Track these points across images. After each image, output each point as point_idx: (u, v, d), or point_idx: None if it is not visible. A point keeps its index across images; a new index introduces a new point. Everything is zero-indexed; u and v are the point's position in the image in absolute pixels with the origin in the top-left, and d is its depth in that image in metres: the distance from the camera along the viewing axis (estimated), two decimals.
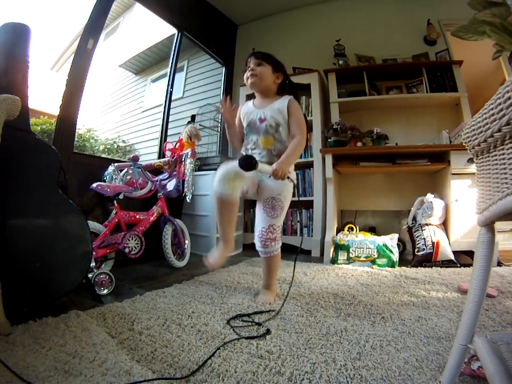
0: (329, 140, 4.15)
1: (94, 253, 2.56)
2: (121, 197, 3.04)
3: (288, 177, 2.10)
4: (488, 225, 0.99)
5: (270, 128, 2.22)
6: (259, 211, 2.28)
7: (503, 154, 0.88)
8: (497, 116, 0.85)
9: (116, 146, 8.37)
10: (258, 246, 2.25)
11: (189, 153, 3.43)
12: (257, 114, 2.28)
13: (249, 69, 2.27)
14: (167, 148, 3.69)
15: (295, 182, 2.27)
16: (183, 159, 3.45)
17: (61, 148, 3.11)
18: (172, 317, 1.89)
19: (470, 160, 3.41)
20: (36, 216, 1.95)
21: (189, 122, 4.38)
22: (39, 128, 6.70)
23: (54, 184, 2.02)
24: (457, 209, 3.50)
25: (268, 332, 1.67)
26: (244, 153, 2.32)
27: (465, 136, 1.06)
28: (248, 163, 1.81)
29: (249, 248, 4.43)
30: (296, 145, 2.16)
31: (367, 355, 1.41)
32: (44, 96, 7.23)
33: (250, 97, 4.85)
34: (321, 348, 1.49)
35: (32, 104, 2.10)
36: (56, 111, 3.32)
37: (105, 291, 2.42)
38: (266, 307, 2.08)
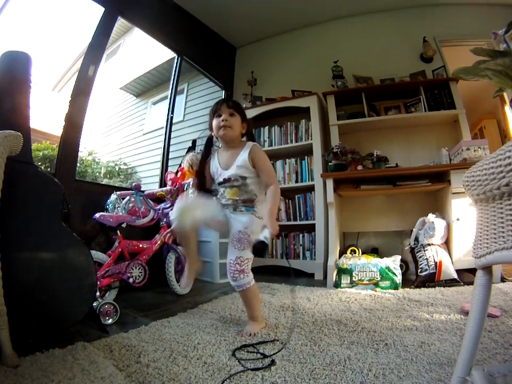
0: (329, 164, 4.18)
1: (98, 282, 2.56)
2: (124, 225, 3.06)
3: (254, 213, 2.24)
4: (486, 268, 1.02)
5: (236, 182, 2.25)
6: (229, 245, 2.27)
7: (501, 208, 0.91)
8: (497, 176, 0.88)
9: (117, 169, 8.39)
10: (230, 280, 2.24)
11: (191, 183, 3.45)
12: (222, 175, 2.29)
13: (222, 118, 2.24)
14: (168, 178, 3.72)
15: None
16: (185, 188, 3.47)
17: (63, 176, 3.16)
18: (178, 348, 1.89)
19: None
20: (40, 249, 1.97)
21: (189, 149, 4.42)
22: (41, 154, 6.72)
23: (58, 217, 2.05)
24: (459, 228, 3.51)
25: (273, 363, 1.67)
26: (216, 195, 2.40)
27: (466, 184, 1.09)
28: (260, 250, 2.00)
29: (253, 272, 4.44)
30: (274, 195, 2.17)
31: None
32: (45, 116, 7.29)
33: (250, 122, 4.91)
34: (325, 378, 1.49)
35: (33, 124, 2.16)
36: (56, 131, 3.36)
37: (110, 321, 2.43)
38: (270, 336, 2.07)
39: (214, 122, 2.29)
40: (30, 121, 2.15)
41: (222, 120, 2.24)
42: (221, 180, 2.30)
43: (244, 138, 2.42)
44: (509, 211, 0.88)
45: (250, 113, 5.04)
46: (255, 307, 2.30)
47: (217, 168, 2.35)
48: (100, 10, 3.84)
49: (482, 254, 1.01)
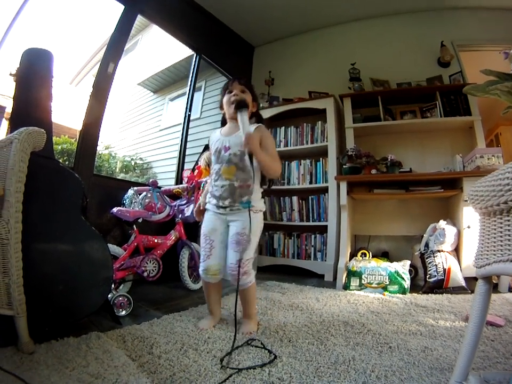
0: (344, 167, 4.21)
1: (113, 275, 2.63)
2: (140, 220, 3.11)
3: (252, 209, 2.17)
4: (486, 278, 1.07)
5: (234, 157, 2.18)
6: (228, 247, 2.22)
7: (501, 223, 0.96)
8: (497, 194, 0.93)
9: (133, 164, 8.45)
10: (230, 280, 2.24)
11: (208, 181, 3.49)
12: (222, 142, 2.24)
13: (233, 93, 2.23)
14: (185, 175, 3.76)
15: (264, 209, 2.33)
16: (201, 186, 3.50)
17: (81, 170, 3.22)
18: (189, 341, 1.94)
19: None
20: (60, 241, 2.03)
21: (206, 147, 4.46)
22: (59, 148, 6.80)
23: (77, 211, 2.10)
24: (469, 236, 3.50)
25: (275, 358, 1.72)
26: (210, 190, 2.34)
27: (470, 198, 1.14)
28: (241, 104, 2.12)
29: (263, 271, 4.51)
30: (273, 160, 2.17)
31: None
32: (63, 109, 7.36)
33: (267, 121, 4.97)
34: (329, 376, 1.53)
35: (53, 117, 2.23)
36: (74, 124, 3.42)
37: (124, 312, 2.49)
38: (279, 334, 2.11)
39: (225, 98, 2.29)
40: (52, 111, 2.23)
41: (233, 95, 2.23)
42: (219, 146, 2.25)
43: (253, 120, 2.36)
44: (507, 226, 0.93)
45: (267, 113, 5.08)
46: (252, 305, 2.32)
47: (217, 137, 2.33)
48: (119, 7, 3.89)
49: (483, 264, 1.06)
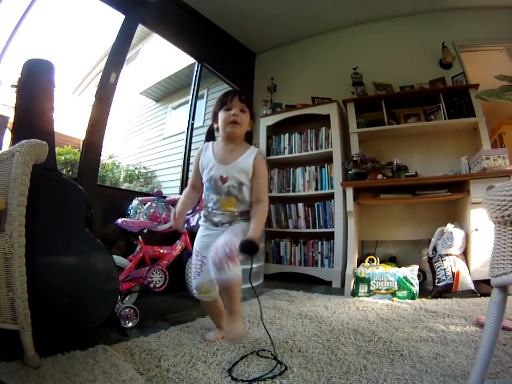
0: (349, 172, 4.20)
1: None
2: (145, 231, 3.10)
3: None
4: (502, 287, 1.04)
5: (233, 189, 2.04)
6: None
7: None
8: (507, 206, 0.91)
9: (137, 173, 8.46)
10: (213, 271, 1.90)
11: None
12: (219, 171, 2.05)
13: (232, 113, 2.04)
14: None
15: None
16: None
17: (85, 181, 3.22)
18: (198, 354, 1.91)
19: (490, 188, 3.43)
20: (64, 253, 2.03)
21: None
22: (63, 158, 6.83)
23: (82, 223, 2.11)
24: (477, 239, 3.48)
25: (286, 369, 1.69)
26: (206, 214, 2.16)
27: (485, 205, 1.11)
28: (251, 249, 1.82)
29: (270, 279, 4.51)
30: (263, 213, 2.07)
31: None
32: (66, 120, 7.39)
33: (271, 128, 4.95)
34: None
35: (55, 127, 2.23)
36: (77, 134, 3.42)
37: (130, 324, 2.48)
38: (288, 344, 2.08)
39: (222, 115, 2.08)
40: (54, 122, 2.24)
41: (233, 115, 2.04)
42: (214, 174, 2.06)
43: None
44: None
45: (271, 119, 5.13)
46: (237, 300, 2.11)
47: (210, 161, 2.11)
48: (120, 17, 3.90)
49: (498, 273, 1.03)
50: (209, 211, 2.12)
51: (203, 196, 2.19)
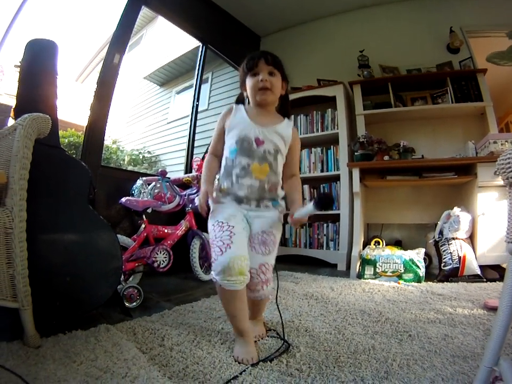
0: (356, 153, 4.17)
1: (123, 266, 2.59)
2: (149, 210, 3.09)
3: (279, 208, 1.85)
4: None
5: (269, 155, 1.77)
6: (248, 248, 1.74)
7: None
8: None
9: (141, 157, 8.46)
10: (248, 291, 1.74)
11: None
12: (254, 132, 1.77)
13: (260, 78, 1.76)
14: (195, 164, 3.72)
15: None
16: None
17: (89, 161, 3.18)
18: (202, 333, 1.91)
19: None
20: (67, 231, 2.00)
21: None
22: (66, 141, 6.84)
23: (85, 201, 2.07)
24: (484, 223, 3.46)
25: (289, 346, 1.69)
26: (228, 187, 1.79)
27: (499, 168, 1.07)
28: (327, 204, 1.52)
29: (285, 261, 4.48)
30: (300, 187, 1.92)
31: (394, 374, 1.41)
32: (69, 106, 7.37)
33: None
34: (350, 366, 1.50)
35: (58, 114, 2.17)
36: (81, 121, 3.39)
37: (134, 304, 2.46)
38: (295, 323, 2.06)
39: (249, 82, 1.82)
40: (57, 108, 2.18)
41: (261, 80, 1.76)
42: (249, 135, 1.76)
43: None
44: None
45: None
46: (264, 309, 2.03)
47: (243, 121, 1.83)
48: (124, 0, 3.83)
49: None
50: (234, 181, 1.77)
51: (224, 162, 1.85)
